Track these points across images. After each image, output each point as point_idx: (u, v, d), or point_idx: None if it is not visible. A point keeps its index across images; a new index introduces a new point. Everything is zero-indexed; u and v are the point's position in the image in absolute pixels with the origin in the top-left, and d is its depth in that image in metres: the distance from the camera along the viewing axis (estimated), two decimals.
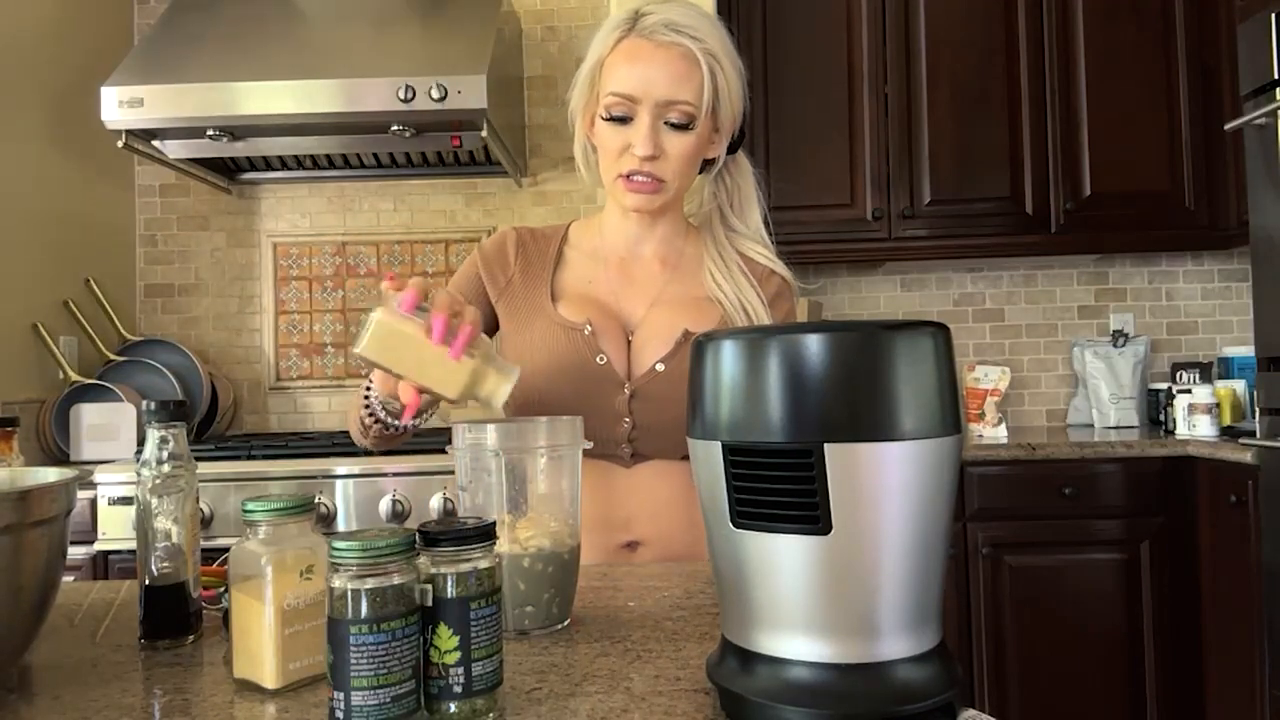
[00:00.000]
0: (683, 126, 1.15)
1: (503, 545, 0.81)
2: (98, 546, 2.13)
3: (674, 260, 1.27)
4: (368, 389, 1.09)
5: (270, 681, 0.68)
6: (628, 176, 1.17)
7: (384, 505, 2.14)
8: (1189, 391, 2.61)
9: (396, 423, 1.08)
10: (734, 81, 1.19)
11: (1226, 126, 2.33)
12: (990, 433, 2.81)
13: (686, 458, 1.15)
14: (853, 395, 0.57)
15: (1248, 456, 2.21)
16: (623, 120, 1.16)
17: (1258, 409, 2.24)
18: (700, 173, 1.28)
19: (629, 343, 1.21)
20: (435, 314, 0.88)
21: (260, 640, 0.68)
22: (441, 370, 0.89)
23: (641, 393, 1.17)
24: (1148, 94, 2.79)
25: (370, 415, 1.09)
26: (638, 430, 1.17)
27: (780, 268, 1.29)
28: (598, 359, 1.18)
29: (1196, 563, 2.41)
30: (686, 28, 1.14)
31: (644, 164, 1.15)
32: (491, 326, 1.27)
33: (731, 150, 1.29)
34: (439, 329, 0.87)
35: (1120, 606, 2.44)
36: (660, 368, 1.18)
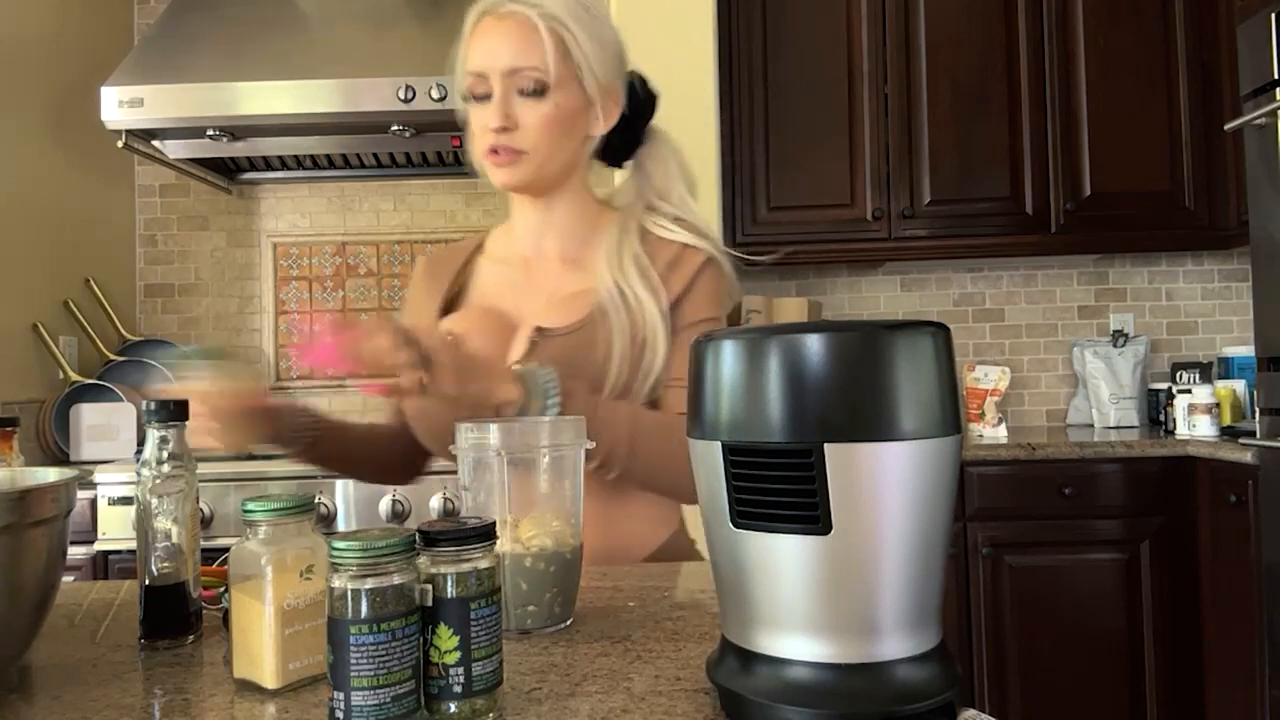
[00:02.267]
0: (536, 93, 1.13)
1: (505, 545, 0.81)
2: (98, 546, 2.13)
3: (574, 253, 1.22)
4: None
5: (270, 681, 0.68)
6: (490, 152, 1.15)
7: (384, 505, 2.14)
8: (1189, 391, 2.61)
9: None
10: (590, 48, 1.15)
11: (1226, 126, 2.33)
12: (990, 433, 2.81)
13: None
14: (853, 395, 0.57)
15: (1248, 456, 2.21)
16: (482, 99, 1.14)
17: (1258, 409, 2.24)
18: (615, 164, 1.25)
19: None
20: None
21: (260, 640, 0.68)
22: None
23: None
24: (1148, 94, 2.79)
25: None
26: None
27: (688, 237, 1.20)
28: None
29: (1196, 563, 2.41)
30: None
31: (499, 136, 1.13)
32: None
33: (640, 124, 1.24)
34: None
35: (1120, 606, 2.44)
36: (517, 368, 1.13)
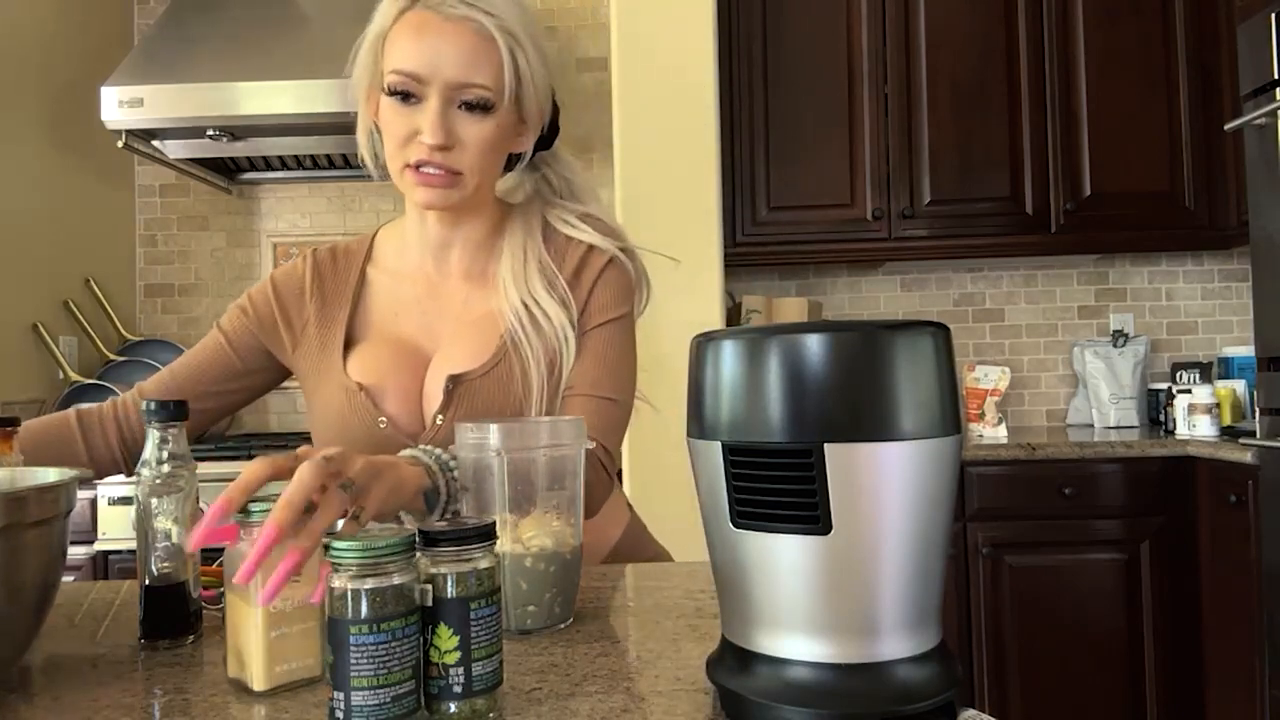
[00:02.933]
0: (479, 108, 1.02)
1: (505, 545, 0.81)
2: (98, 546, 2.13)
3: (480, 269, 1.13)
4: None
5: (257, 684, 0.68)
6: (416, 168, 1.03)
7: None
8: (1189, 391, 2.61)
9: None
10: (538, 66, 1.06)
11: (1226, 126, 2.33)
12: (990, 433, 2.81)
13: None
14: (853, 395, 0.57)
15: (1248, 456, 2.21)
16: (407, 98, 1.02)
17: (1258, 409, 2.24)
18: (508, 170, 1.16)
19: (424, 384, 1.10)
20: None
21: (249, 641, 0.68)
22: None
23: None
24: (1148, 94, 2.79)
25: None
26: None
27: (594, 237, 1.12)
28: (379, 423, 1.06)
29: (1196, 563, 2.41)
30: (480, 1, 1.02)
31: (434, 153, 1.01)
32: (271, 371, 1.17)
33: (545, 145, 1.16)
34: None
35: (1120, 606, 2.44)
36: (440, 420, 1.06)
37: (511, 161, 1.15)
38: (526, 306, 1.07)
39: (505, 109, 1.05)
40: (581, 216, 1.14)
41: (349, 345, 1.12)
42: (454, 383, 1.06)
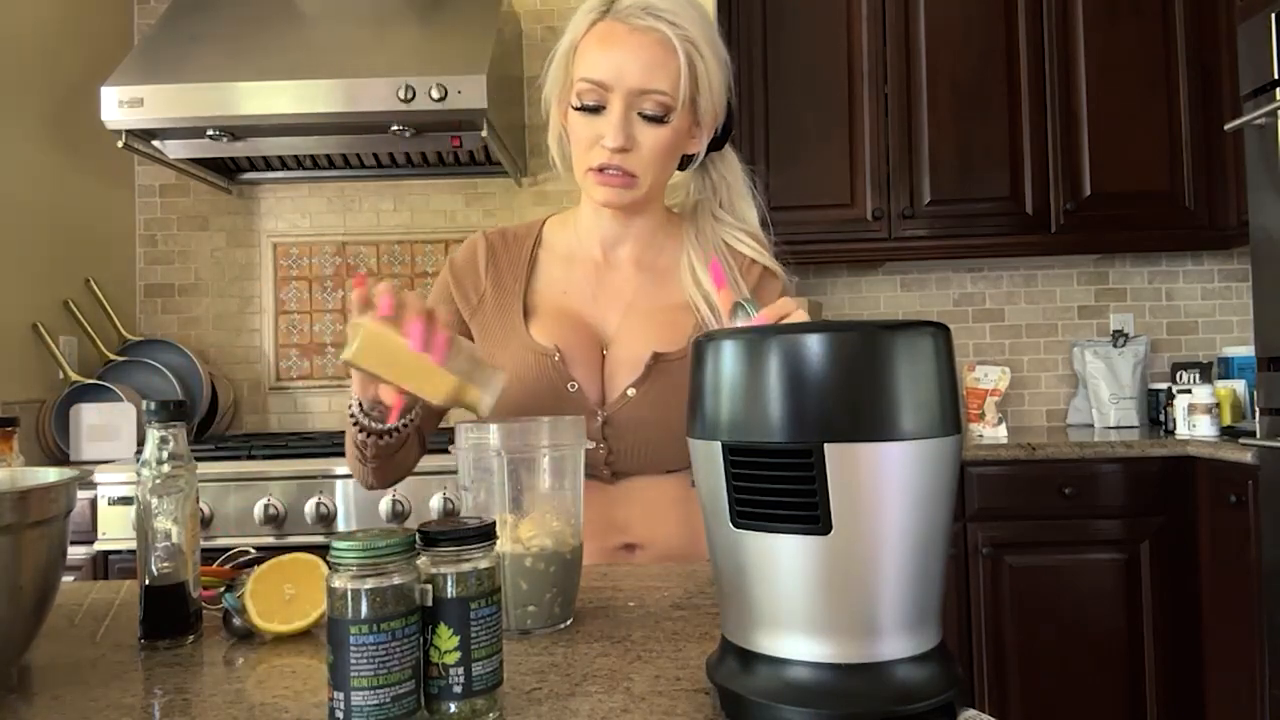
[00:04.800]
0: (657, 119, 1.09)
1: (505, 545, 0.81)
2: (98, 546, 2.13)
3: (650, 261, 1.22)
4: (352, 410, 1.05)
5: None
6: (599, 170, 1.11)
7: (384, 505, 2.14)
8: (1189, 391, 2.61)
9: (382, 426, 1.04)
10: (715, 73, 1.13)
11: (1226, 126, 2.33)
12: (990, 433, 2.81)
13: (671, 471, 1.14)
14: (853, 395, 0.57)
15: (1248, 456, 2.21)
16: (594, 110, 1.09)
17: (1258, 409, 2.24)
18: (681, 169, 1.23)
19: (603, 357, 1.17)
20: (411, 319, 0.86)
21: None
22: (425, 376, 0.89)
23: (614, 419, 1.14)
24: (1147, 94, 2.79)
25: (361, 430, 1.05)
26: (613, 455, 1.14)
27: (767, 259, 1.21)
28: (569, 386, 1.14)
29: (1196, 563, 2.41)
30: (665, 12, 1.08)
31: (614, 156, 1.09)
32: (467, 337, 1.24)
33: (717, 146, 1.23)
34: (417, 335, 0.86)
35: (1120, 606, 2.44)
36: (631, 393, 1.14)
37: (685, 161, 1.22)
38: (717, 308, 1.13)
39: (681, 113, 1.11)
40: (750, 235, 1.22)
41: (526, 315, 1.19)
42: (656, 359, 1.13)
